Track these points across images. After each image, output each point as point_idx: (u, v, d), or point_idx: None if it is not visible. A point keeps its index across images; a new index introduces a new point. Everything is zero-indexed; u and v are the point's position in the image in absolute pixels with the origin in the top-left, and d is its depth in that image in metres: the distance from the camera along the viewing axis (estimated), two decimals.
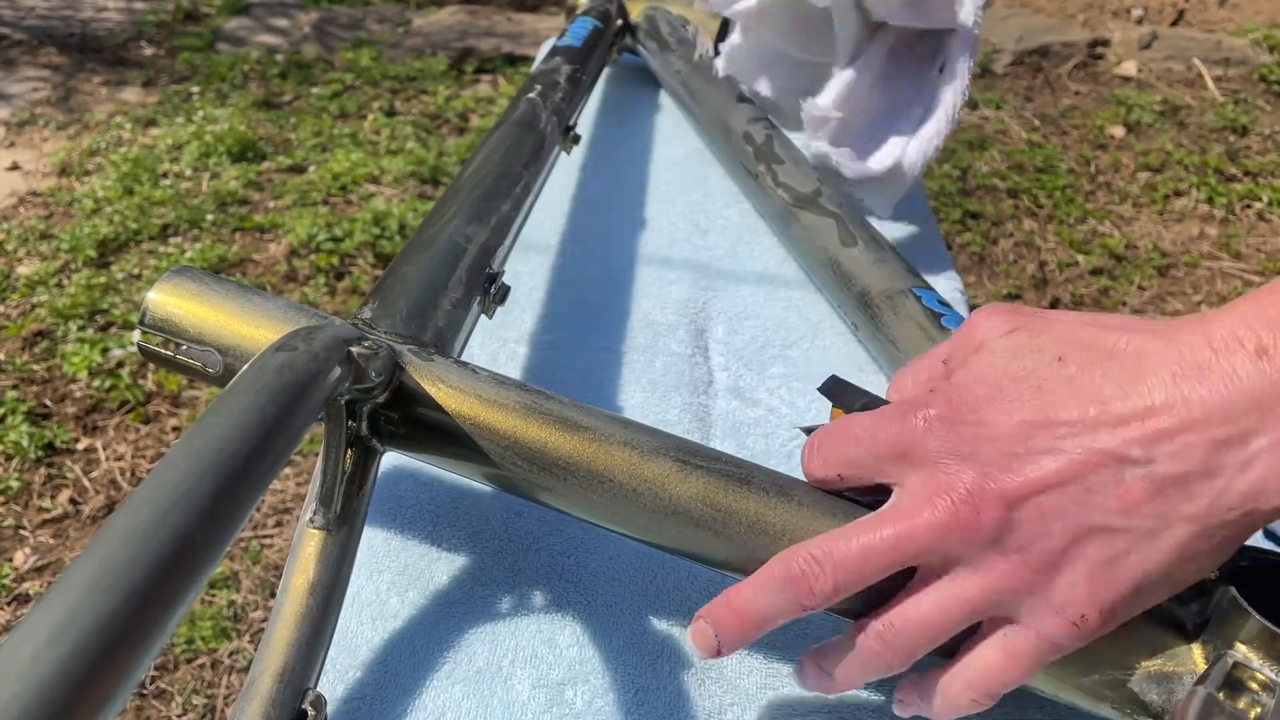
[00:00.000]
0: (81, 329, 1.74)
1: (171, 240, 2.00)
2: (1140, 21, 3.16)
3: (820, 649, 0.37)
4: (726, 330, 0.62)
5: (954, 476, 0.32)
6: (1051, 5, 3.25)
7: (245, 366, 0.31)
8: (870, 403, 0.39)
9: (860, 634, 0.35)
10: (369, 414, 0.38)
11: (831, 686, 0.36)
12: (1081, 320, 0.33)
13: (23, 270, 1.91)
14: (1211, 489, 0.29)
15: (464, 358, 0.46)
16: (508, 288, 0.51)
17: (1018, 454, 0.31)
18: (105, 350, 1.69)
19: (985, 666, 0.33)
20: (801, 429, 0.39)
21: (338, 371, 0.33)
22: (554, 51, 0.72)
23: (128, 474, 1.50)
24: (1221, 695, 0.32)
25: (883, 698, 0.41)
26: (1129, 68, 2.84)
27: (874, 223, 0.63)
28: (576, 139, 0.68)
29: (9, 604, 1.31)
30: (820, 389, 0.41)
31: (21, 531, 1.41)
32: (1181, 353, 0.29)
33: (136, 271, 1.90)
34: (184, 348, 0.39)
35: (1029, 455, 0.31)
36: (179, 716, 1.19)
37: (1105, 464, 0.30)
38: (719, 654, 0.35)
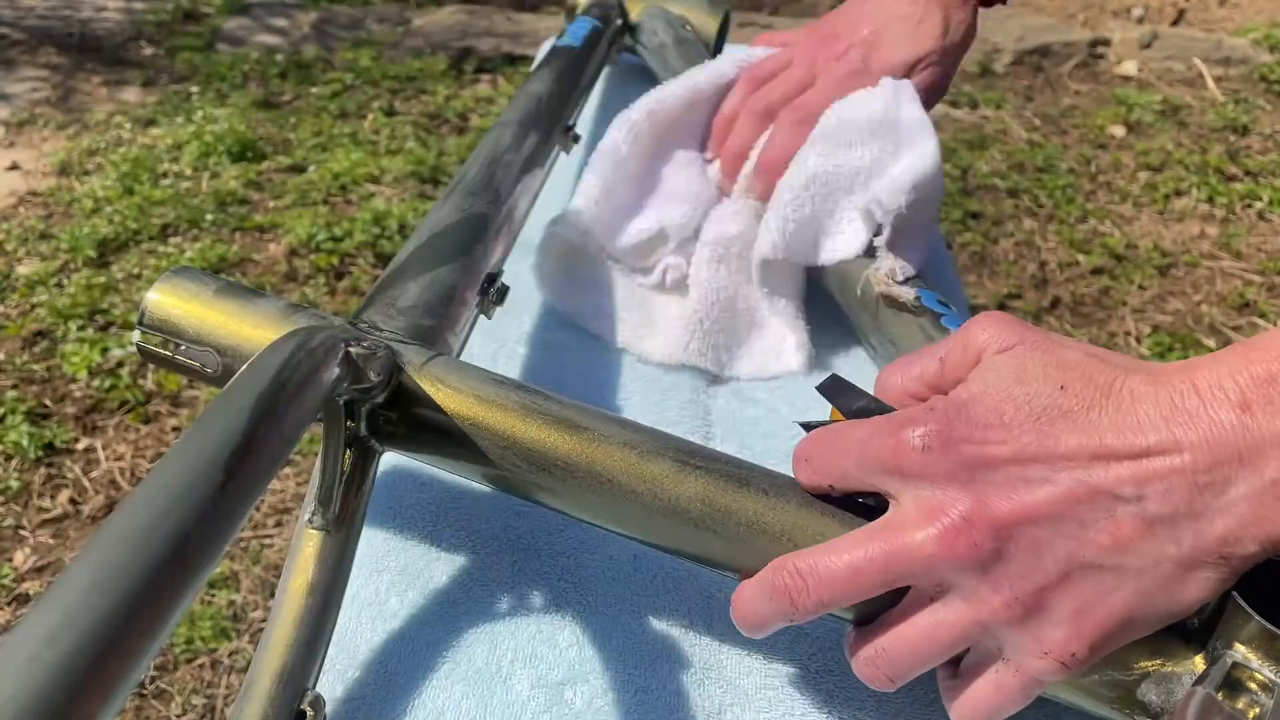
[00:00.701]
0: (81, 329, 1.74)
1: (171, 240, 2.00)
2: (1140, 21, 3.15)
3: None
4: None
5: (949, 500, 0.32)
6: (1052, 5, 3.25)
7: (243, 367, 0.31)
8: (869, 404, 0.38)
9: (854, 659, 0.35)
10: (368, 414, 0.38)
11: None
12: (1081, 349, 0.33)
13: (22, 270, 1.91)
14: (1194, 530, 0.30)
15: (463, 358, 0.46)
16: (507, 288, 0.51)
17: (1014, 482, 0.31)
18: (105, 350, 1.69)
19: (977, 699, 0.34)
20: (801, 424, 0.39)
21: (336, 372, 0.33)
22: (554, 51, 0.72)
23: (127, 474, 1.50)
24: (1220, 695, 0.32)
25: (883, 699, 0.41)
26: (1129, 67, 2.84)
27: None
28: (576, 139, 0.68)
29: (9, 604, 1.31)
30: (819, 388, 0.40)
31: (21, 531, 1.41)
32: (1172, 398, 0.30)
33: (136, 271, 1.90)
34: (183, 348, 0.39)
35: (1025, 484, 0.31)
36: (178, 717, 1.19)
37: (1098, 499, 0.30)
38: (754, 635, 0.36)
